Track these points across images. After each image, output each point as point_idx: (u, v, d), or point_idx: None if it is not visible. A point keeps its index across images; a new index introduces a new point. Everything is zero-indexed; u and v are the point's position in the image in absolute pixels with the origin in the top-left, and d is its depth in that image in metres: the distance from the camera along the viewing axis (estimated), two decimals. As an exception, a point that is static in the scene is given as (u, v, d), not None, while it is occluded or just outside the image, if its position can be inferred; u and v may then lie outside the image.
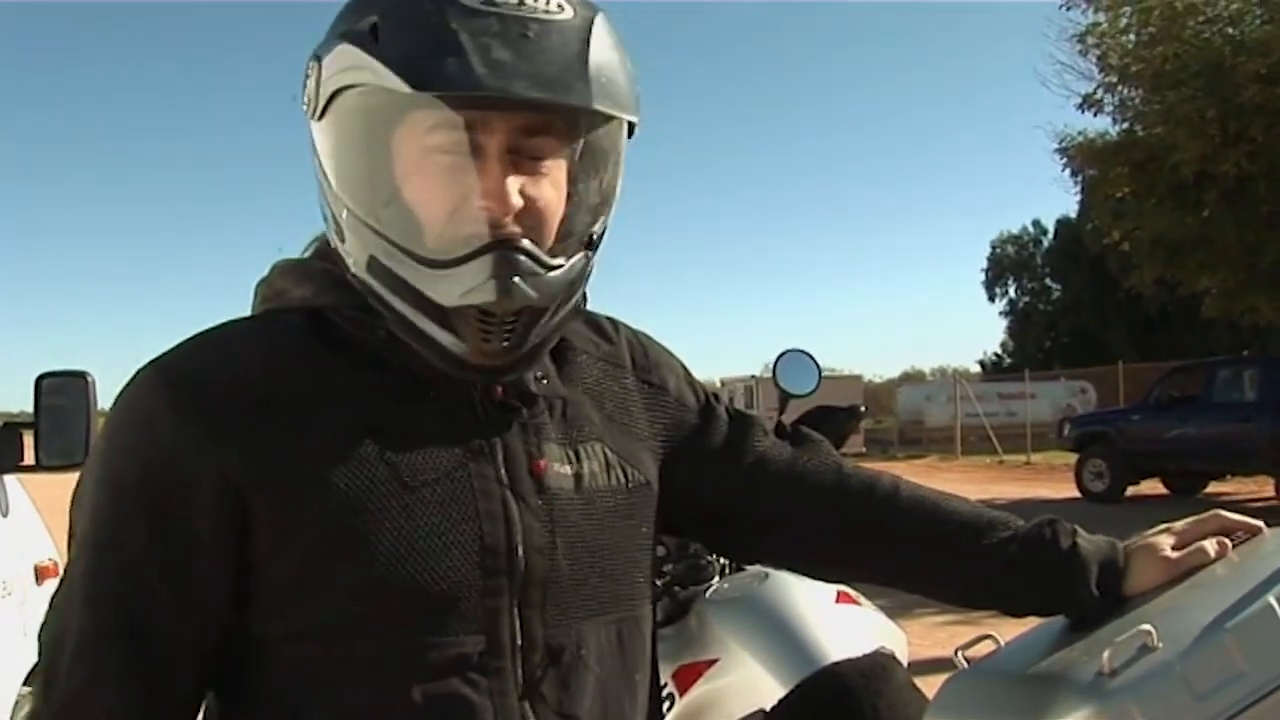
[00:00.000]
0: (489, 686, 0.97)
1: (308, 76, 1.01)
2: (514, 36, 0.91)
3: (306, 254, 1.11)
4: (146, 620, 0.96)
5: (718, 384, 33.28)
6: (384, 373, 1.02)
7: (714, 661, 2.00)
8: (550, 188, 0.98)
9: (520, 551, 1.00)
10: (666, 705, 2.01)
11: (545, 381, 1.09)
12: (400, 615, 0.96)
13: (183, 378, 0.98)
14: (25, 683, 3.39)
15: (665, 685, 2.02)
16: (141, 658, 0.96)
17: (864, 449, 29.12)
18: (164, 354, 1.01)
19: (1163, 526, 1.20)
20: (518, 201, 0.95)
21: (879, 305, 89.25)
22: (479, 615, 0.98)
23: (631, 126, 1.03)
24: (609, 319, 1.23)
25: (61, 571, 1.03)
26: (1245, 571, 1.07)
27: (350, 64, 0.94)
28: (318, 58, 0.99)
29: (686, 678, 2.01)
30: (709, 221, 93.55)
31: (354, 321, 1.03)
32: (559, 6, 0.94)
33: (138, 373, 1.00)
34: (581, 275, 1.02)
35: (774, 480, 1.23)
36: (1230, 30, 14.23)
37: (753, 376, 27.19)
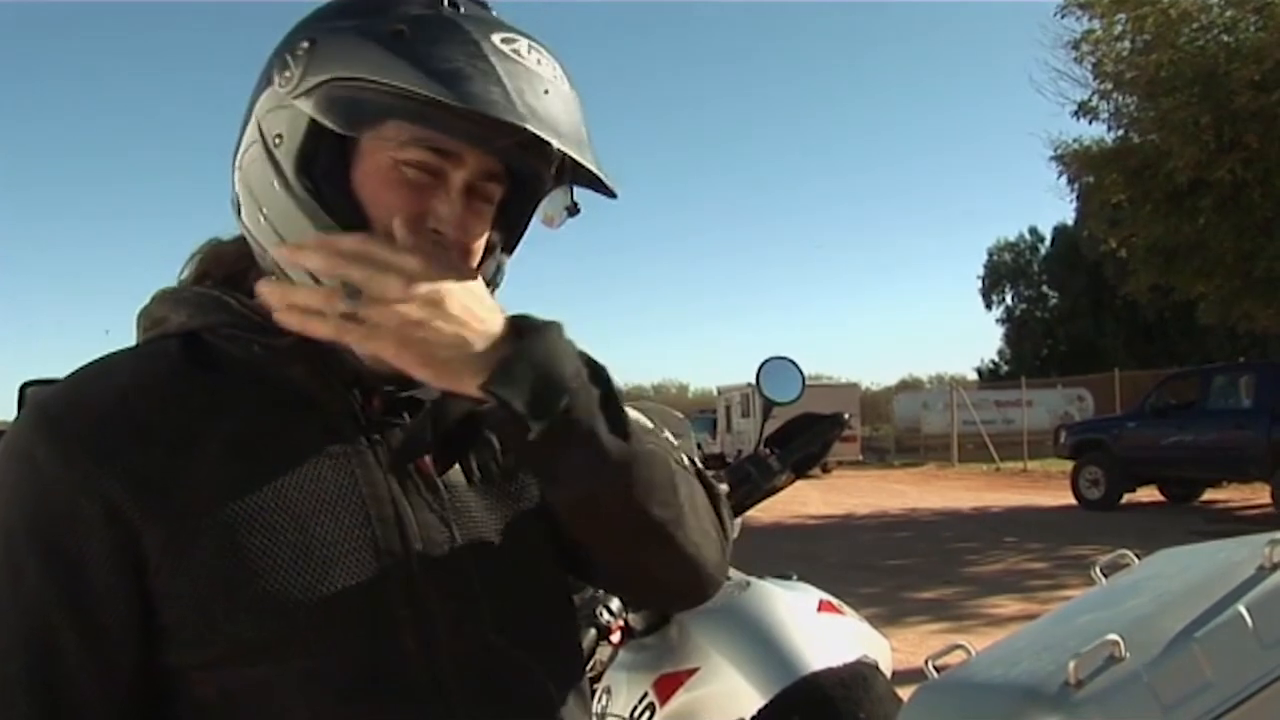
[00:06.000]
0: (413, 692, 0.97)
1: (294, 55, 0.98)
2: (538, 90, 0.95)
3: (184, 274, 1.11)
4: (54, 663, 0.93)
5: (714, 392, 33.31)
6: (263, 388, 1.01)
7: (694, 671, 1.98)
8: (482, 228, 1.05)
9: (417, 551, 1.00)
10: (647, 715, 2.00)
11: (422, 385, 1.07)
12: (307, 629, 0.95)
13: (59, 413, 0.97)
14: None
15: (645, 695, 2.01)
16: (53, 706, 0.93)
17: (861, 457, 29.15)
18: (41, 392, 1.00)
19: None
20: (463, 232, 1.01)
21: (877, 314, 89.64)
22: (385, 619, 0.97)
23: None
24: None
25: None
26: (1214, 582, 1.06)
27: (363, 58, 0.94)
28: (312, 39, 0.98)
29: (667, 687, 2.00)
30: (708, 232, 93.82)
31: (231, 339, 1.02)
32: (562, 77, 0.99)
33: (17, 414, 0.99)
34: None
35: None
36: (1225, 37, 14.26)
37: (749, 384, 27.18)
